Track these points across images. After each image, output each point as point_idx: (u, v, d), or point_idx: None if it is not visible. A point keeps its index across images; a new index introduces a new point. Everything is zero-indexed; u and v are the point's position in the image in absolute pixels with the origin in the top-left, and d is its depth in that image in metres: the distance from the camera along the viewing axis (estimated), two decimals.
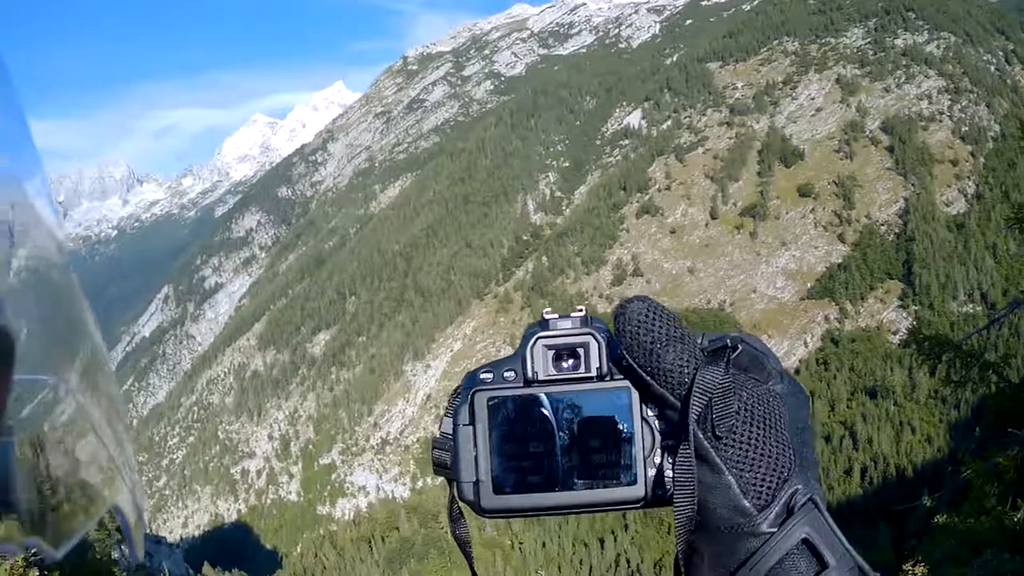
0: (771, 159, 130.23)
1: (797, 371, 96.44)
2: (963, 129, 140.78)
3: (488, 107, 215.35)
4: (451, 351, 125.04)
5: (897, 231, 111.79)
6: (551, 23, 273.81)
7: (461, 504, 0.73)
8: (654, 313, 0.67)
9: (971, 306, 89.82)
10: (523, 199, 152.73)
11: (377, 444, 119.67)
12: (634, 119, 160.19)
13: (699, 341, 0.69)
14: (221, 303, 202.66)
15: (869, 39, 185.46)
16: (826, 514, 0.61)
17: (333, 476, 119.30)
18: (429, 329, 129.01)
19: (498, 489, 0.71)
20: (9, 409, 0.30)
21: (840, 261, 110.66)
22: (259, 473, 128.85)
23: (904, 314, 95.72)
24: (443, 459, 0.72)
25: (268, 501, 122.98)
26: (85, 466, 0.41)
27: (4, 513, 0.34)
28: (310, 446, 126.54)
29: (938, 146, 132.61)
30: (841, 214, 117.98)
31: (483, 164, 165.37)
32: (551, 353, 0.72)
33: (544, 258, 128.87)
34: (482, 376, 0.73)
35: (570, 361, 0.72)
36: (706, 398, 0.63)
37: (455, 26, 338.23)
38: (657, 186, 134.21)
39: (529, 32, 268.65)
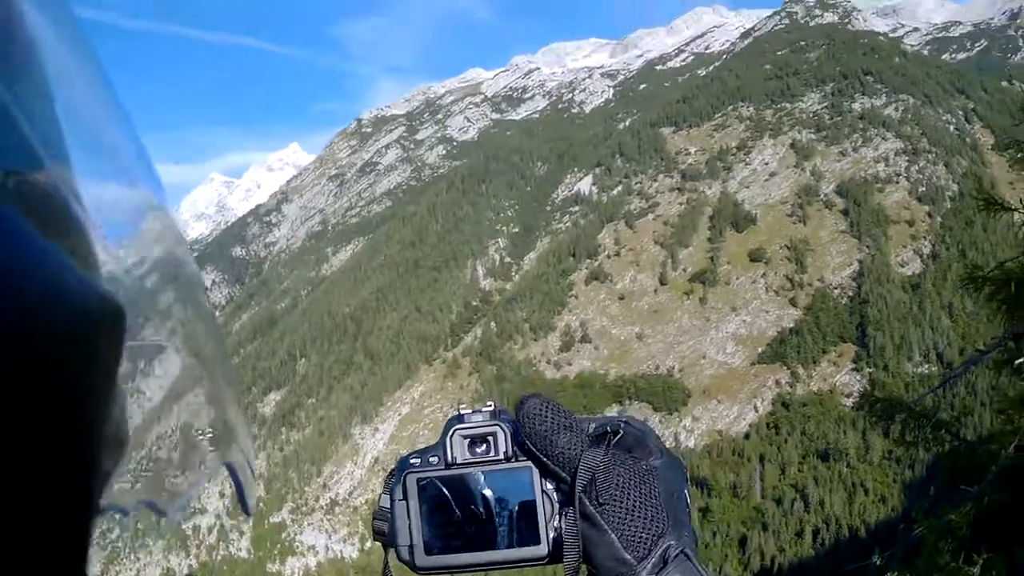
0: (722, 224, 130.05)
1: (747, 436, 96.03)
2: (920, 190, 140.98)
3: (440, 172, 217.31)
4: (399, 415, 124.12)
5: (851, 294, 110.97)
6: (504, 87, 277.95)
7: (398, 564, 0.88)
8: (547, 407, 0.80)
9: (927, 366, 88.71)
10: (473, 264, 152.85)
11: (326, 504, 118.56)
12: (585, 185, 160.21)
13: (587, 428, 0.82)
14: (173, 358, 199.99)
15: (826, 103, 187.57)
16: (698, 564, 0.74)
17: (283, 535, 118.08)
18: (378, 393, 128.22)
19: (428, 551, 0.86)
20: (123, 373, 0.32)
21: (792, 325, 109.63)
22: (210, 529, 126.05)
23: (857, 377, 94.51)
24: (382, 528, 0.87)
25: (219, 557, 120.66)
26: (198, 426, 0.44)
27: (118, 474, 0.35)
28: (261, 504, 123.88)
29: (894, 207, 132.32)
30: (793, 278, 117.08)
31: (434, 229, 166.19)
32: (467, 441, 0.87)
33: (493, 324, 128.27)
34: (411, 461, 0.88)
35: (482, 447, 0.87)
36: (590, 473, 0.77)
37: (410, 89, 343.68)
38: (607, 252, 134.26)
39: (483, 96, 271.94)
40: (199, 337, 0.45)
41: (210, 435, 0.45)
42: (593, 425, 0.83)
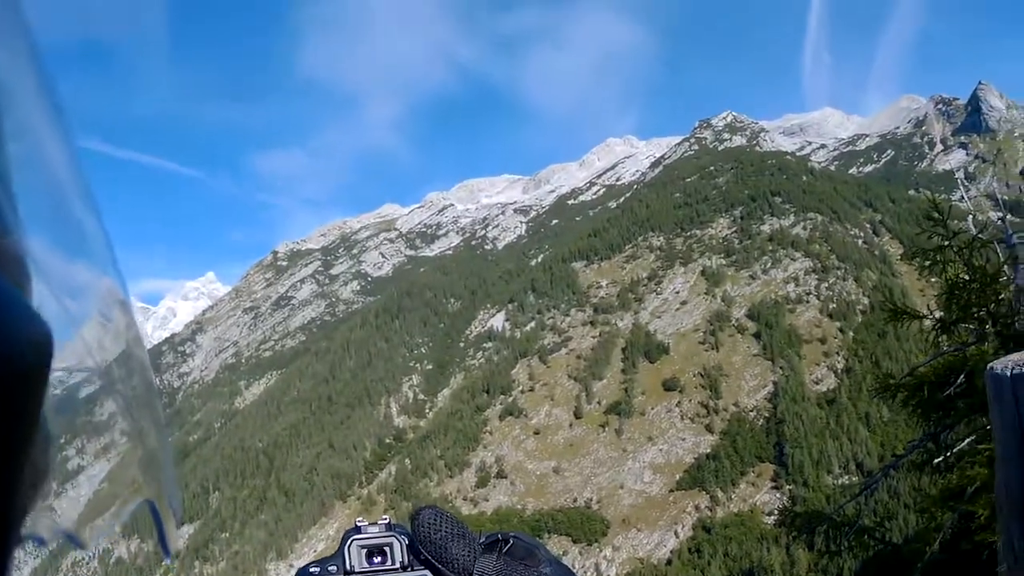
0: (635, 356, 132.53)
1: (669, 562, 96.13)
2: (831, 307, 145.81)
3: (354, 307, 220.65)
4: (314, 551, 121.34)
5: (767, 415, 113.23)
6: (419, 224, 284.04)
7: None
8: (440, 517, 0.88)
9: (846, 477, 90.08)
10: (386, 401, 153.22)
11: None
12: (498, 321, 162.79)
13: (479, 538, 0.89)
14: (83, 485, 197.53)
15: (735, 227, 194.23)
16: None
17: None
18: (292, 529, 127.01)
19: None
20: (47, 401, 0.32)
21: (708, 451, 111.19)
22: (130, 565, 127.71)
23: (778, 494, 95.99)
24: None
25: None
26: (120, 460, 0.44)
27: (38, 504, 0.35)
28: None
29: (806, 326, 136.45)
30: (708, 404, 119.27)
31: (347, 365, 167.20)
32: (364, 551, 0.94)
33: (407, 460, 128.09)
34: (311, 570, 0.94)
35: (379, 557, 0.93)
36: None
37: (326, 223, 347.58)
38: (521, 388, 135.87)
39: (397, 232, 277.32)
40: (126, 365, 0.44)
41: (133, 470, 0.45)
42: (484, 536, 0.89)
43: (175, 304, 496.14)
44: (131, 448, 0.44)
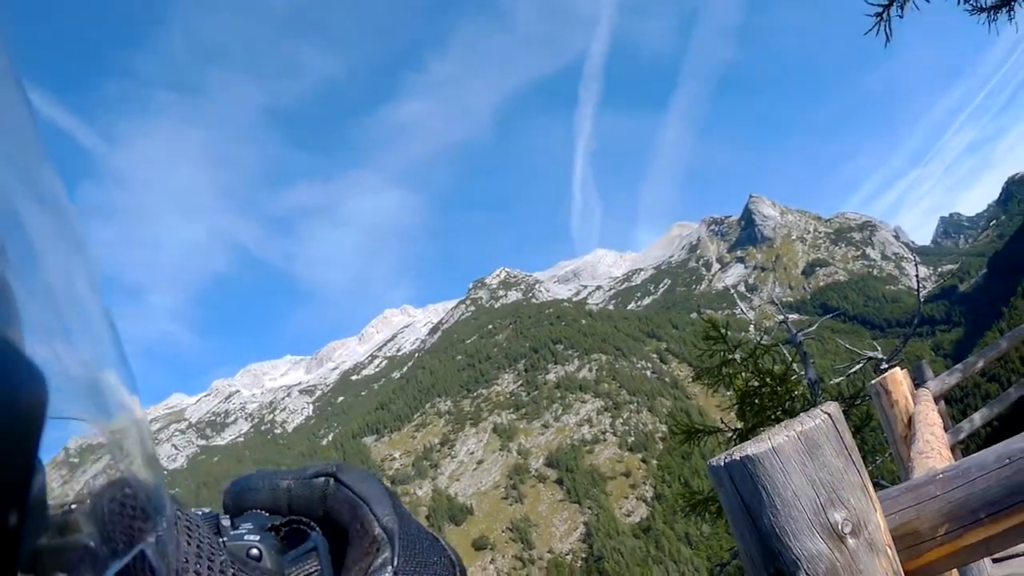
0: (440, 521, 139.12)
1: None
2: (630, 440, 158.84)
3: None
4: None
5: (584, 555, 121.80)
6: (208, 413, 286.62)
7: None
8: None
9: None
10: None
11: None
12: None
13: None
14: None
15: (520, 381, 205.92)
16: None
17: None
18: None
19: None
20: (42, 450, 0.34)
21: None
22: None
23: None
24: None
25: None
26: (118, 506, 0.44)
27: (33, 548, 0.38)
28: None
29: (607, 463, 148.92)
30: (523, 556, 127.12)
31: None
32: None
33: None
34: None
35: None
36: None
37: None
38: None
39: (187, 422, 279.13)
40: (121, 411, 0.44)
41: (130, 511, 0.45)
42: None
43: None
44: (130, 491, 0.45)
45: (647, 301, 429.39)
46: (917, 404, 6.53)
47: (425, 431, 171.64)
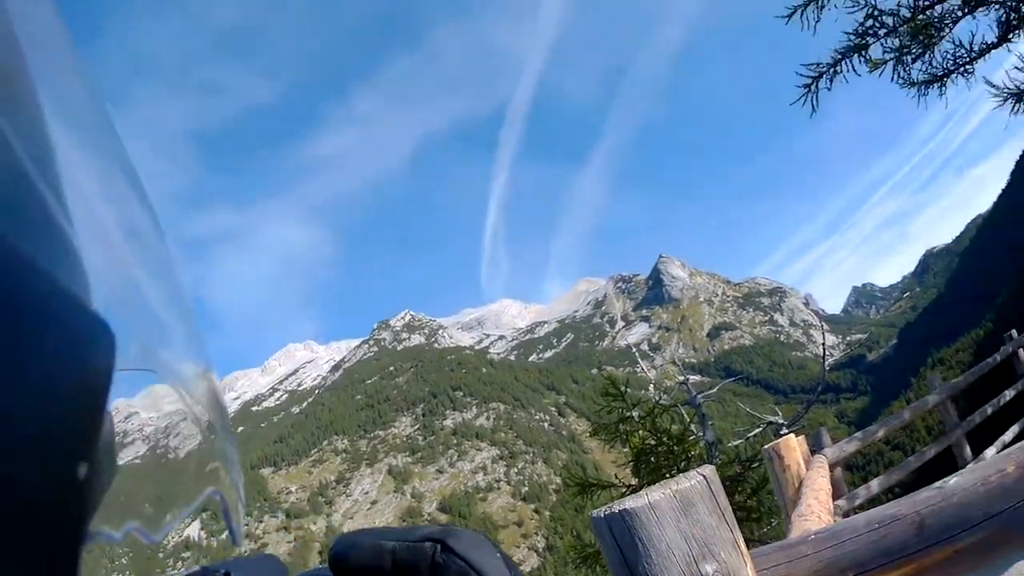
0: None
1: None
2: (523, 490, 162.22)
3: None
4: None
5: None
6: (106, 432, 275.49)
7: None
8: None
9: None
10: None
11: None
12: (193, 530, 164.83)
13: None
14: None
15: (418, 425, 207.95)
16: None
17: None
18: None
19: None
20: (113, 398, 0.33)
21: None
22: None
23: None
24: None
25: None
26: (187, 453, 0.46)
27: (104, 499, 0.37)
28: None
29: (500, 512, 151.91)
30: None
31: None
32: None
33: None
34: None
35: None
36: None
37: None
38: None
39: None
40: (194, 367, 0.47)
41: (202, 462, 0.48)
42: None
43: None
44: (201, 440, 0.47)
45: (549, 354, 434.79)
46: (809, 470, 6.81)
47: (322, 467, 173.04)
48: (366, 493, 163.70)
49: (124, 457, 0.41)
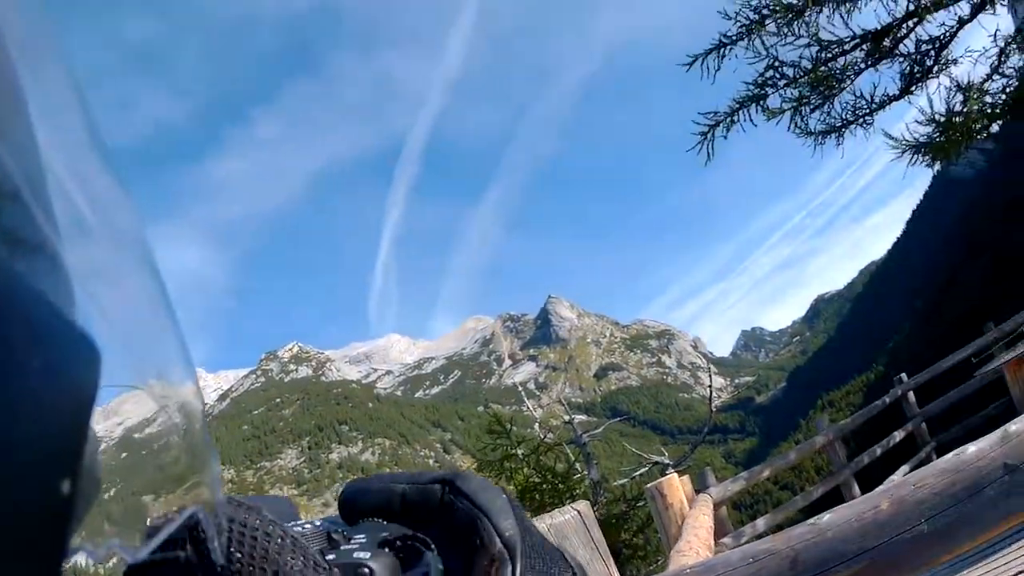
0: None
1: None
2: None
3: None
4: None
5: None
6: None
7: None
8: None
9: None
10: None
11: None
12: (80, 559, 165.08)
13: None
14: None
15: (304, 458, 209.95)
16: None
17: None
18: None
19: None
20: (97, 415, 0.33)
21: None
22: None
23: None
24: None
25: None
26: (171, 471, 0.45)
27: (87, 514, 0.36)
28: None
29: None
30: None
31: None
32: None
33: None
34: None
35: None
36: None
37: None
38: None
39: None
40: (176, 382, 0.44)
41: (181, 479, 0.45)
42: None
43: None
44: (184, 457, 0.44)
45: (436, 391, 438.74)
46: (692, 508, 6.91)
47: None
48: None
49: (108, 473, 0.40)
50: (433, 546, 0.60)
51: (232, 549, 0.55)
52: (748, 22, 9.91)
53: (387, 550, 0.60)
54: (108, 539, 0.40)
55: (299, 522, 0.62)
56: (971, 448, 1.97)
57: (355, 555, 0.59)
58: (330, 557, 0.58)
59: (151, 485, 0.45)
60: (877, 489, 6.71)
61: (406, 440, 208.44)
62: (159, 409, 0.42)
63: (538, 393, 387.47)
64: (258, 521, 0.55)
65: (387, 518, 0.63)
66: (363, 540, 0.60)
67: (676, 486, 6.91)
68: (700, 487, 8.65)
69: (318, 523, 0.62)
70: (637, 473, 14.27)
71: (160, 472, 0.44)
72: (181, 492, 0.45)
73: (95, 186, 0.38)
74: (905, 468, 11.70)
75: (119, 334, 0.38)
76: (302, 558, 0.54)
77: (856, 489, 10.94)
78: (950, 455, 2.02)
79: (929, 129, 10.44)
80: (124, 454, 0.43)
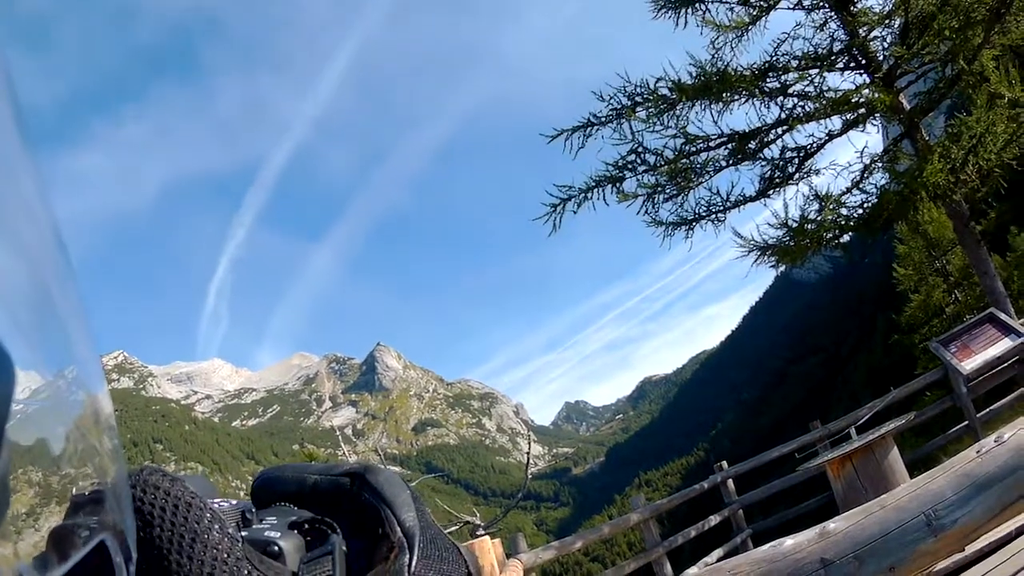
0: None
1: None
2: None
3: None
4: None
5: None
6: None
7: None
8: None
9: None
10: None
11: None
12: None
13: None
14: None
15: None
16: None
17: None
18: None
19: None
20: (6, 437, 0.33)
21: None
22: None
23: None
24: None
25: None
26: (82, 495, 0.44)
27: None
28: None
29: None
30: None
31: None
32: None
33: None
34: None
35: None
36: None
37: None
38: None
39: None
40: (90, 408, 0.45)
41: (93, 503, 0.45)
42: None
43: None
44: (95, 480, 0.45)
45: (253, 422, 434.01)
46: (503, 573, 6.68)
47: (14, 497, 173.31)
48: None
49: (16, 494, 0.40)
50: (339, 530, 0.68)
51: (154, 516, 0.59)
52: (620, 107, 10.58)
53: (295, 532, 0.68)
54: (15, 562, 0.39)
55: (215, 500, 0.69)
56: (788, 541, 2.12)
57: (266, 533, 0.67)
58: (243, 534, 0.65)
59: (63, 508, 0.44)
60: (690, 570, 10.15)
61: (219, 468, 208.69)
62: (72, 427, 0.42)
63: (355, 439, 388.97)
64: (180, 491, 0.60)
65: (298, 504, 0.72)
66: (274, 521, 0.69)
67: (487, 549, 6.28)
68: (511, 552, 8.70)
69: (233, 503, 0.70)
70: (447, 531, 17.37)
71: (71, 494, 0.44)
72: (91, 518, 0.45)
73: (12, 186, 0.38)
74: (719, 552, 11.88)
75: (32, 344, 0.37)
76: (218, 529, 0.60)
77: (668, 568, 10.86)
78: (766, 546, 2.17)
79: (780, 233, 10.91)
80: (29, 466, 0.42)
